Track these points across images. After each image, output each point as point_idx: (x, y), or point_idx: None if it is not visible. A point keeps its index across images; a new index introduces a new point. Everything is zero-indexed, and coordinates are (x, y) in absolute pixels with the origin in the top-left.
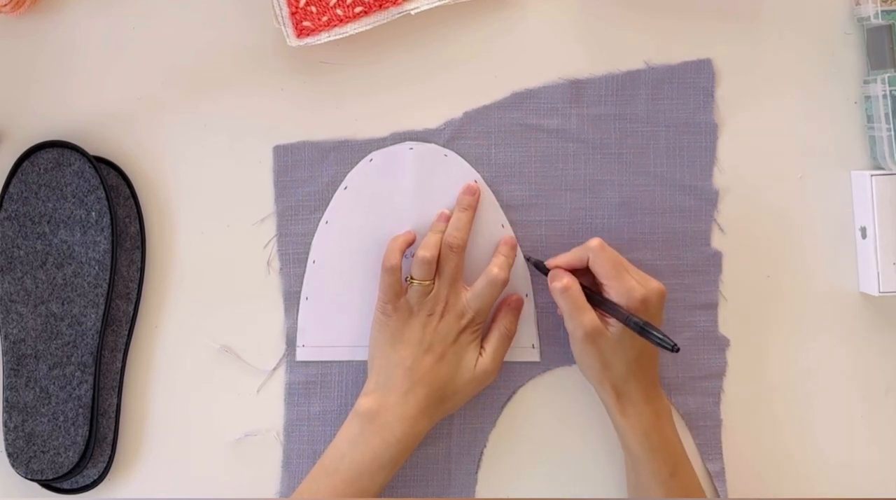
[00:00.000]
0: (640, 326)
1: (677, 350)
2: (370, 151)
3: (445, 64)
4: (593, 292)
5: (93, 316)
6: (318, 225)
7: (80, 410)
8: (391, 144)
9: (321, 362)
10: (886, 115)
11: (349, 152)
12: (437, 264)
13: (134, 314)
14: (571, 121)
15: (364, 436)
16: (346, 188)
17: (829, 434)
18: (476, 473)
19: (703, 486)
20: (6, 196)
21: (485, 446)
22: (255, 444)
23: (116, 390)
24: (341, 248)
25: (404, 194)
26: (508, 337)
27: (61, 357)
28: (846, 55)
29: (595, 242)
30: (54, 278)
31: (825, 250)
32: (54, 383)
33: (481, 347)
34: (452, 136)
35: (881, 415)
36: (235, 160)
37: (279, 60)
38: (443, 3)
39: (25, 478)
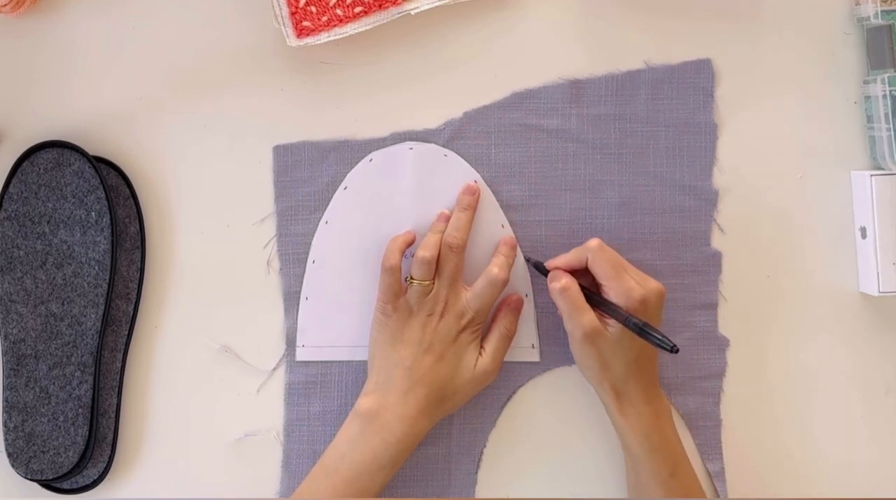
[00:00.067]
0: (640, 326)
1: (676, 351)
2: (370, 151)
3: (445, 64)
4: (592, 293)
5: (93, 316)
6: (318, 225)
7: (80, 410)
8: (391, 144)
9: (321, 362)
10: (886, 115)
11: (349, 152)
12: (437, 264)
13: (134, 314)
14: (571, 121)
15: (364, 436)
16: (346, 188)
17: (829, 434)
18: (476, 473)
19: (703, 486)
20: (6, 196)
21: (485, 446)
22: (255, 444)
23: (116, 390)
24: (341, 248)
25: (404, 194)
26: (508, 337)
27: (61, 357)
28: (846, 55)
29: (594, 242)
30: (54, 278)
31: (825, 250)
32: (54, 383)
33: (481, 347)
34: (452, 136)
35: (881, 415)
36: (235, 160)
37: (279, 60)
38: (443, 3)
39: (25, 478)
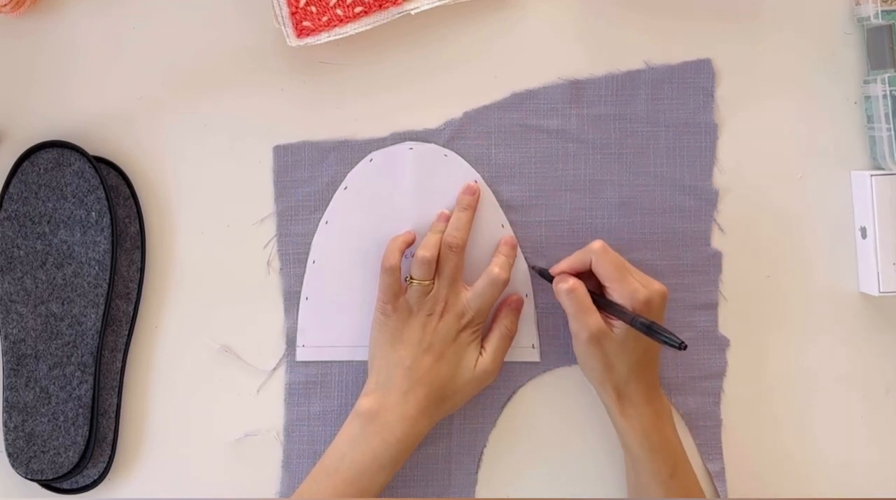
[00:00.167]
0: (647, 326)
1: (685, 348)
2: (370, 151)
3: (445, 64)
4: (597, 295)
5: (93, 316)
6: (318, 225)
7: (80, 410)
8: (391, 144)
9: (321, 362)
10: (886, 115)
11: (349, 152)
12: (437, 264)
13: (134, 314)
14: (571, 121)
15: (364, 436)
16: (346, 188)
17: (829, 434)
18: (476, 473)
19: (703, 486)
20: (6, 196)
21: (485, 446)
22: (255, 444)
23: (116, 390)
24: (341, 248)
25: (404, 194)
26: (509, 337)
27: (61, 357)
28: (846, 55)
29: (597, 244)
30: (54, 278)
31: (825, 250)
32: (54, 383)
33: (481, 347)
34: (452, 136)
35: (881, 415)
36: (235, 160)
37: (279, 60)
38: (443, 3)
39: (25, 478)
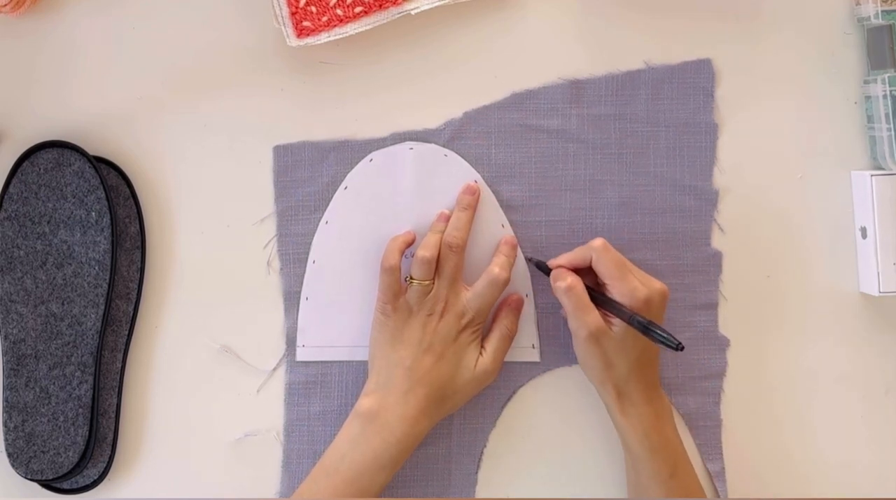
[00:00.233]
0: (645, 325)
1: (682, 349)
2: (370, 151)
3: (445, 64)
4: (596, 292)
5: (93, 316)
6: (318, 225)
7: (80, 410)
8: (391, 144)
9: (321, 362)
10: (886, 115)
11: (349, 152)
12: (437, 264)
13: (134, 314)
14: (571, 121)
15: (364, 436)
16: (346, 188)
17: (829, 434)
18: (476, 473)
19: (703, 486)
20: (6, 196)
21: (485, 446)
22: (255, 444)
23: (116, 390)
24: (341, 248)
25: (404, 194)
26: (509, 337)
27: (61, 357)
28: (846, 55)
29: (599, 242)
30: (54, 278)
31: (825, 250)
32: (54, 383)
33: (481, 347)
34: (452, 136)
35: (881, 415)
36: (235, 160)
37: (279, 60)
38: (443, 3)
39: (25, 478)
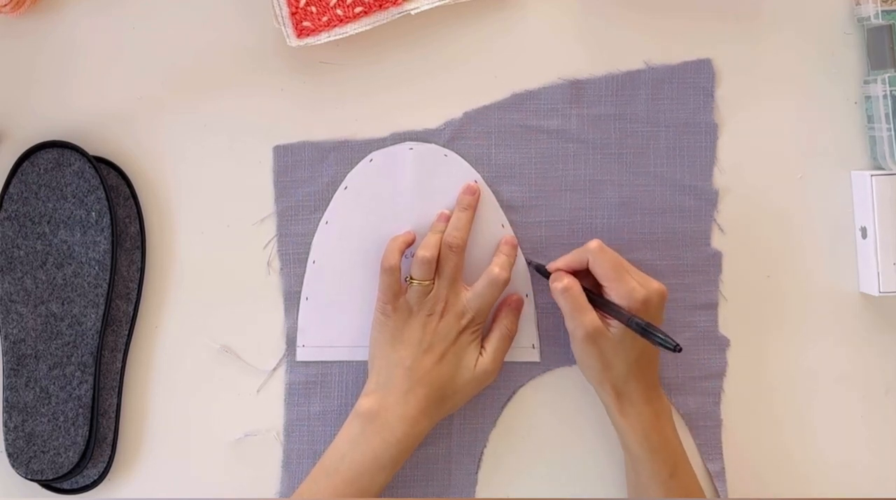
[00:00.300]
0: (642, 327)
1: (679, 350)
2: (370, 151)
3: (445, 64)
4: (594, 294)
5: (93, 316)
6: (318, 225)
7: (80, 410)
8: (391, 144)
9: (321, 362)
10: (886, 115)
11: (349, 152)
12: (437, 264)
13: (134, 314)
14: (571, 121)
15: (365, 436)
16: (346, 188)
17: (829, 434)
18: (476, 473)
19: (703, 486)
20: (6, 196)
21: (485, 446)
22: (255, 444)
23: (116, 390)
24: (341, 248)
25: (404, 194)
26: (509, 337)
27: (61, 357)
28: (846, 55)
29: (594, 243)
30: (54, 278)
31: (825, 250)
32: (54, 383)
33: (481, 347)
34: (452, 136)
35: (881, 415)
36: (235, 160)
37: (279, 60)
38: (443, 3)
39: (25, 478)
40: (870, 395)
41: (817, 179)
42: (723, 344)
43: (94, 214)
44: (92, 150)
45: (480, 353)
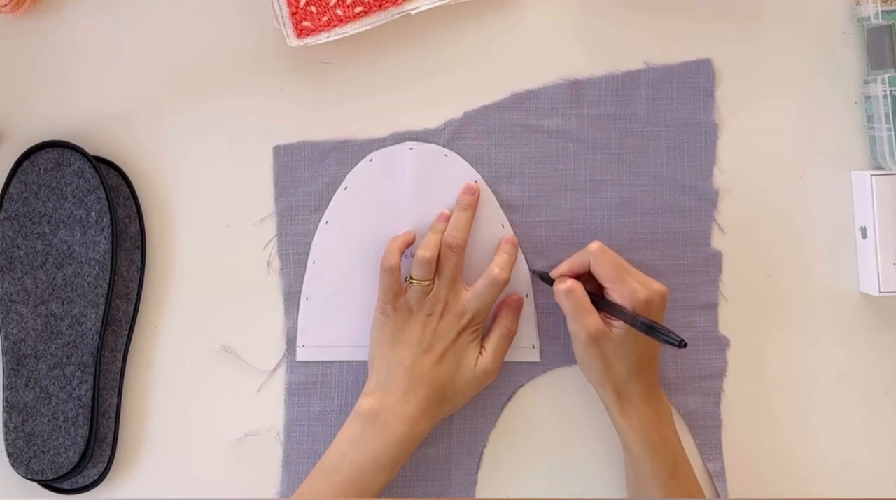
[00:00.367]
0: (647, 325)
1: (685, 346)
2: (370, 151)
3: (445, 64)
4: (596, 295)
5: (93, 316)
6: (318, 225)
7: (80, 410)
8: (391, 144)
9: (321, 362)
10: (886, 115)
11: (349, 152)
12: (437, 264)
13: (134, 314)
14: (571, 121)
15: (365, 436)
16: (346, 188)
17: (829, 434)
18: (476, 473)
19: (703, 486)
20: (6, 196)
21: (485, 446)
22: (255, 444)
23: (116, 390)
24: (341, 248)
25: (404, 194)
26: (509, 337)
27: (61, 357)
28: (846, 55)
29: (595, 245)
30: (54, 278)
31: (825, 250)
32: (54, 383)
33: (481, 346)
34: (452, 136)
35: (881, 415)
36: (235, 160)
37: (279, 60)
38: (443, 3)
39: (25, 478)
40: (870, 395)
41: (817, 179)
42: (723, 344)
43: (94, 214)
44: (92, 150)
45: (480, 353)
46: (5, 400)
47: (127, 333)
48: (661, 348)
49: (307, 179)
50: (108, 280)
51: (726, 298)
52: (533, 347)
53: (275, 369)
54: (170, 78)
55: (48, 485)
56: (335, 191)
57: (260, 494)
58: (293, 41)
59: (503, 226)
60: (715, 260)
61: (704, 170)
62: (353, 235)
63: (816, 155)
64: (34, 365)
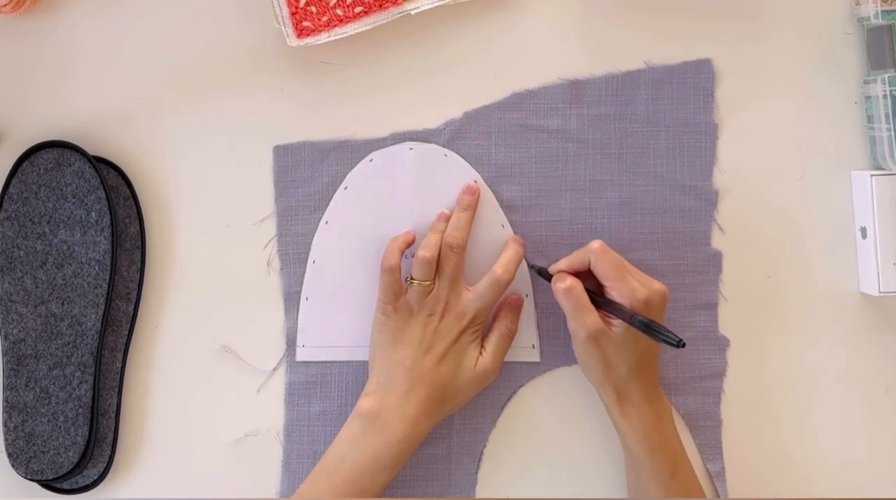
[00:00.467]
0: (645, 324)
1: (683, 346)
2: (370, 151)
3: (445, 64)
4: (596, 294)
5: (93, 316)
6: (318, 225)
7: (80, 410)
8: (391, 144)
9: (321, 362)
10: (886, 115)
11: (349, 152)
12: (438, 264)
13: (134, 314)
14: (571, 121)
15: (365, 436)
16: (346, 188)
17: (829, 434)
18: (476, 473)
19: (703, 486)
20: (6, 196)
21: (485, 446)
22: (255, 444)
23: (116, 390)
24: (341, 248)
25: (404, 194)
26: (509, 337)
27: (61, 357)
28: (846, 55)
29: (596, 244)
30: (54, 278)
31: (825, 250)
32: (54, 383)
33: (482, 346)
34: (452, 136)
35: (881, 415)
36: (235, 160)
37: (279, 60)
38: (443, 3)
39: (25, 478)
40: (870, 395)
41: (817, 179)
42: (723, 344)
43: (94, 214)
44: (92, 150)
45: (480, 353)
46: (5, 400)
47: (127, 333)
48: (661, 349)
49: (307, 179)
50: (108, 280)
51: (726, 298)
52: (533, 347)
53: (275, 369)
54: (170, 78)
55: (48, 485)
56: (335, 191)
57: (260, 494)
58: (293, 41)
59: (503, 226)
60: (715, 260)
61: (704, 170)
62: (353, 235)
63: (816, 155)
64: (34, 365)
